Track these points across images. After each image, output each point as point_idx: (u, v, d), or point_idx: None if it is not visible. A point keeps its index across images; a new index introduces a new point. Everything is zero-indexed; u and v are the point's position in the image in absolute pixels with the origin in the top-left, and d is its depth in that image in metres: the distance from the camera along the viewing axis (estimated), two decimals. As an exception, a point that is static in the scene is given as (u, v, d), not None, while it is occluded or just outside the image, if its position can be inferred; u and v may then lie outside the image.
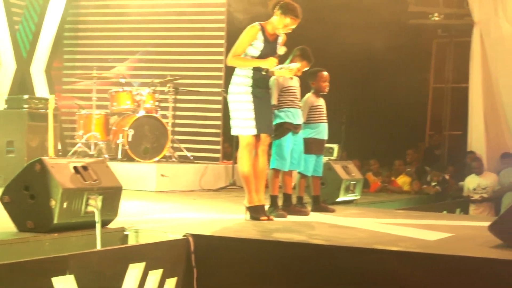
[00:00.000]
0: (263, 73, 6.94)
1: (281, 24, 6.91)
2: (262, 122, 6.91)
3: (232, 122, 6.96)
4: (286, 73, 7.13)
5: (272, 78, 7.22)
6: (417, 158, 14.61)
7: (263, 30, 6.91)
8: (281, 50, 7.09)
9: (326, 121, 8.09)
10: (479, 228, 6.52)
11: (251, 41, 6.88)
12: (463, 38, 15.12)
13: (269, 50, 6.95)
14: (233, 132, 6.97)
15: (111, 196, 5.85)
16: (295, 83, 7.59)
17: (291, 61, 7.48)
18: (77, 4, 13.78)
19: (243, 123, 6.86)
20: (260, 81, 6.97)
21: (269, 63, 6.88)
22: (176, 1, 13.27)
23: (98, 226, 5.43)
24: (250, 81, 6.89)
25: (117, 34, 13.48)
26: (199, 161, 11.91)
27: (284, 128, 7.32)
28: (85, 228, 5.58)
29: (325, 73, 8.10)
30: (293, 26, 6.95)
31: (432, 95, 16.82)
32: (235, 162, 11.14)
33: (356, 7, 14.08)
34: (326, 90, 8.09)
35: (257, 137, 6.94)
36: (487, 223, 5.62)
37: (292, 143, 7.42)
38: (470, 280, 4.75)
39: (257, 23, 6.95)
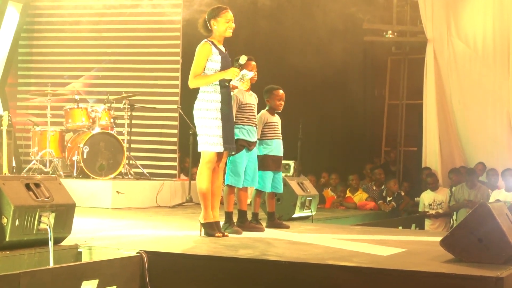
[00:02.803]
0: (226, 83, 6.94)
1: (223, 27, 6.91)
2: (228, 140, 6.91)
3: (199, 139, 6.93)
4: (245, 85, 7.14)
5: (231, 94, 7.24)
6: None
7: (213, 44, 6.93)
8: (242, 59, 7.06)
9: (280, 137, 8.11)
10: (432, 243, 6.57)
11: (208, 56, 6.86)
12: (417, 55, 15.34)
13: (226, 61, 6.96)
14: (200, 148, 6.91)
15: (64, 213, 5.82)
16: (253, 101, 7.61)
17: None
18: (31, 20, 13.68)
19: (211, 140, 6.83)
20: (227, 96, 6.98)
21: (231, 73, 6.85)
22: (131, 17, 13.24)
23: (51, 243, 5.40)
24: (219, 97, 6.86)
25: (72, 50, 13.40)
26: (156, 178, 11.87)
27: (239, 145, 7.32)
28: (37, 245, 5.54)
29: (281, 92, 8.13)
30: (231, 17, 6.94)
31: (387, 112, 16.98)
32: (192, 179, 11.19)
33: (312, 24, 14.20)
34: (280, 108, 8.12)
35: (219, 154, 6.94)
36: (440, 238, 5.68)
37: (246, 160, 7.44)
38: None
39: (204, 40, 6.96)
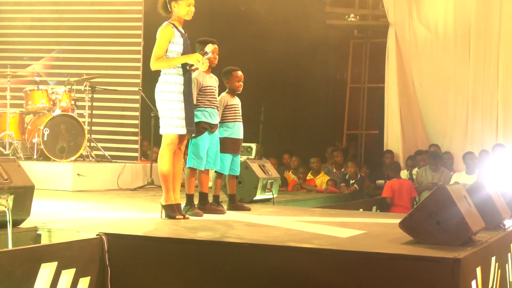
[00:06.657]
0: (188, 67, 6.92)
1: (183, 10, 6.88)
2: (190, 122, 6.91)
3: (161, 121, 6.91)
4: (203, 67, 7.13)
5: (192, 76, 7.21)
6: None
7: (175, 26, 6.90)
8: (208, 47, 7.07)
9: (240, 120, 8.10)
10: (392, 225, 6.61)
11: (170, 38, 6.84)
12: (379, 39, 15.41)
13: (186, 44, 6.96)
14: (162, 131, 6.90)
15: (23, 195, 5.76)
16: (214, 83, 7.61)
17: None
18: (-9, 1, 13.51)
19: (174, 122, 6.82)
20: (189, 79, 6.98)
21: (194, 59, 6.85)
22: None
23: (9, 225, 5.35)
24: (182, 79, 6.86)
25: (33, 31, 13.24)
26: (117, 160, 11.82)
27: (201, 128, 7.31)
28: (-5, 228, 5.49)
29: (240, 73, 8.11)
30: (192, 1, 6.90)
31: (349, 95, 17.05)
32: (153, 161, 11.17)
33: (274, 6, 14.19)
34: (240, 90, 8.10)
35: (181, 136, 6.93)
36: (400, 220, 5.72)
37: (208, 143, 7.44)
38: (379, 276, 4.85)
39: (166, 22, 6.94)
